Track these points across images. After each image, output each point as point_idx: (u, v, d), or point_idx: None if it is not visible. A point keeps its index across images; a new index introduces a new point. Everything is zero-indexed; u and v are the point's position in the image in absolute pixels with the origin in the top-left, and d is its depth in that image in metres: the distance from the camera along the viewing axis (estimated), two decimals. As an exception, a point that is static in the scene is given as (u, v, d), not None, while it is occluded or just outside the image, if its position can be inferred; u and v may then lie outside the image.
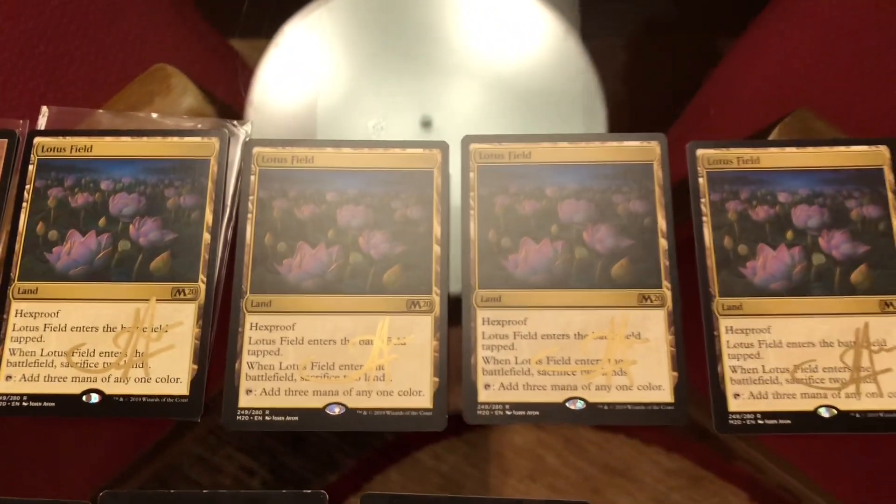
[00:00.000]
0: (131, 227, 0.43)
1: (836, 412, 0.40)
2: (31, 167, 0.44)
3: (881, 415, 0.39)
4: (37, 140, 0.45)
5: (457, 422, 0.40)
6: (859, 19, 0.57)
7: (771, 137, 0.47)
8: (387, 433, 0.46)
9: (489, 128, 0.53)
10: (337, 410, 0.40)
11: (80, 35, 0.55)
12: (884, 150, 0.44)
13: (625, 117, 0.56)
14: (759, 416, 0.40)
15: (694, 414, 0.41)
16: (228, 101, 0.54)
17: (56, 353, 0.41)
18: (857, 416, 0.40)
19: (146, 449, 0.44)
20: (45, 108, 0.46)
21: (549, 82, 0.54)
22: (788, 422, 0.40)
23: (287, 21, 0.57)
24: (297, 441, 0.46)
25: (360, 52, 0.55)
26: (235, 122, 0.46)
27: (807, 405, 0.40)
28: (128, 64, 0.57)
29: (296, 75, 0.55)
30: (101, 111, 0.46)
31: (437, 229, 0.43)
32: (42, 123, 0.46)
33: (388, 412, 0.40)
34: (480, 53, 0.55)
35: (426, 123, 0.51)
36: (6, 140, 0.45)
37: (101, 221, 0.43)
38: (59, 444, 0.44)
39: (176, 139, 0.45)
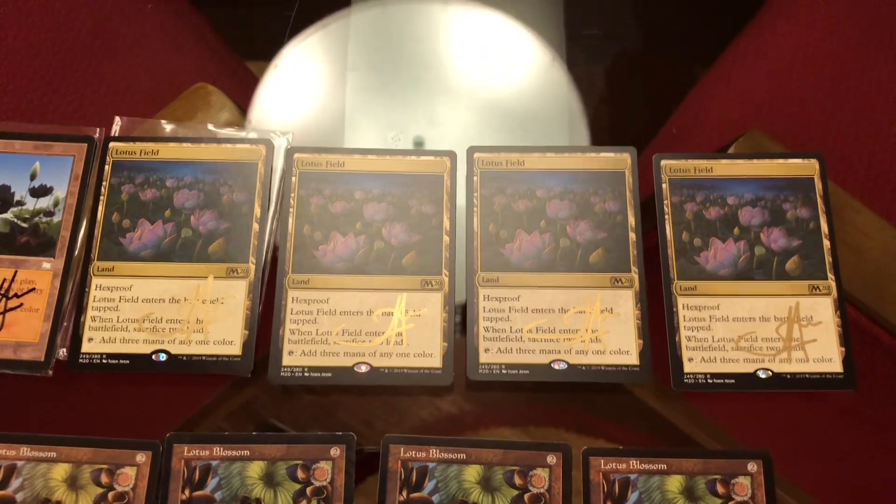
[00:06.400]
0: (192, 217, 0.52)
1: (771, 374, 0.48)
2: (107, 167, 0.53)
3: (807, 375, 0.48)
4: (111, 145, 0.54)
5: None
6: (811, 51, 0.66)
7: (729, 152, 0.56)
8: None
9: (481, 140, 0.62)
10: (364, 369, 0.49)
11: (139, 61, 0.63)
12: (814, 162, 0.53)
13: (610, 137, 0.65)
14: (708, 376, 0.49)
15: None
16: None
17: (130, 320, 0.50)
18: (788, 376, 0.48)
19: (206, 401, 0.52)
20: (118, 119, 0.55)
21: (540, 106, 0.64)
22: (733, 381, 0.48)
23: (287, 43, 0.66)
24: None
25: (372, 74, 0.64)
26: (279, 132, 0.54)
27: (748, 368, 0.49)
28: (160, 85, 0.64)
29: (309, 91, 0.64)
30: (164, 122, 0.55)
31: (446, 223, 0.52)
32: (116, 131, 0.55)
33: (405, 370, 0.49)
34: (474, 77, 0.65)
35: (418, 144, 0.60)
36: (85, 145, 0.54)
37: (167, 212, 0.52)
38: (132, 396, 0.51)
39: (229, 146, 0.54)
